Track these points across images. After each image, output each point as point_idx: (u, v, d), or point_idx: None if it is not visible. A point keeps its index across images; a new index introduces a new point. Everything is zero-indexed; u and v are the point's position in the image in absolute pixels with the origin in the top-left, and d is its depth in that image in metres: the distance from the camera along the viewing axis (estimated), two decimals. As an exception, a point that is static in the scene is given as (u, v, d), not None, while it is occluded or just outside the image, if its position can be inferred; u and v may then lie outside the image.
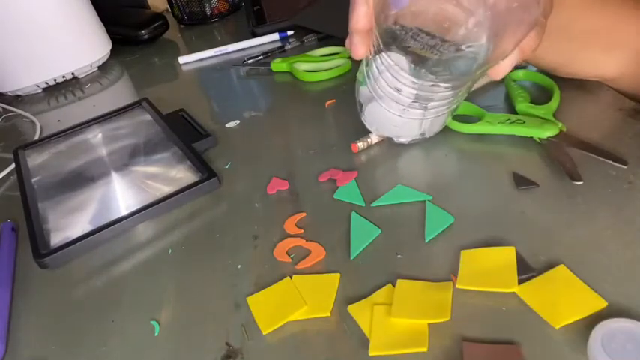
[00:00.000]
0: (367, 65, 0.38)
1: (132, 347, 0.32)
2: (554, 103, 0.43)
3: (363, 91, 0.40)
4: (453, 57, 0.31)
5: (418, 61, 0.33)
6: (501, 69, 0.34)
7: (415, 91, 0.36)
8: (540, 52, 0.42)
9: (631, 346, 0.24)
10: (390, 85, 0.36)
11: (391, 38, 0.32)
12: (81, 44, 0.75)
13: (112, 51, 0.80)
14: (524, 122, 0.41)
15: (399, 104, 0.37)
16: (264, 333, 0.30)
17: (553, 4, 0.33)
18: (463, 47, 0.30)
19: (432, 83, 0.34)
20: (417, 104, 0.37)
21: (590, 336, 0.25)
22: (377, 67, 0.36)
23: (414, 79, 0.35)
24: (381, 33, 0.33)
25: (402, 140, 0.43)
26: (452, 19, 0.29)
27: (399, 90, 0.36)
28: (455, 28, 0.29)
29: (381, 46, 0.34)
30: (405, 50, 0.32)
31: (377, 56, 0.36)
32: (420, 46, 0.31)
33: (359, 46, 0.36)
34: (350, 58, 0.59)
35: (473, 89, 0.49)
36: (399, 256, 0.33)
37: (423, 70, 0.33)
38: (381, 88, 0.37)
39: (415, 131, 0.41)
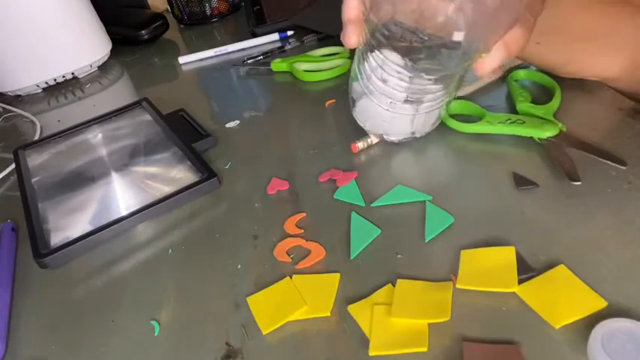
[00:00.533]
0: (359, 61, 0.38)
1: (132, 347, 0.32)
2: (555, 103, 0.43)
3: (356, 86, 0.40)
4: (434, 44, 0.31)
5: (405, 53, 0.33)
6: (486, 64, 0.33)
7: (406, 85, 0.36)
8: (539, 52, 0.42)
9: (631, 346, 0.24)
10: (381, 80, 0.37)
11: (379, 32, 0.33)
12: (81, 44, 0.75)
13: (112, 51, 0.80)
14: (524, 122, 0.41)
15: (389, 99, 0.38)
16: (264, 333, 0.30)
17: (544, 4, 0.33)
18: (446, 40, 0.31)
19: (421, 77, 0.35)
20: (407, 100, 0.37)
21: (590, 336, 0.25)
22: (369, 63, 0.37)
23: (404, 74, 0.35)
24: (370, 27, 0.34)
25: (393, 138, 0.43)
26: (436, 12, 0.29)
27: (389, 85, 0.36)
28: (435, 16, 0.29)
29: (371, 40, 0.35)
30: (390, 40, 0.33)
31: (369, 52, 0.36)
32: (405, 42, 0.32)
33: (351, 35, 0.36)
34: (350, 57, 0.59)
35: (474, 90, 0.49)
36: (399, 256, 0.33)
37: (411, 63, 0.34)
38: (372, 84, 0.38)
39: (406, 129, 0.41)
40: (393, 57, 0.34)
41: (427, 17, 0.30)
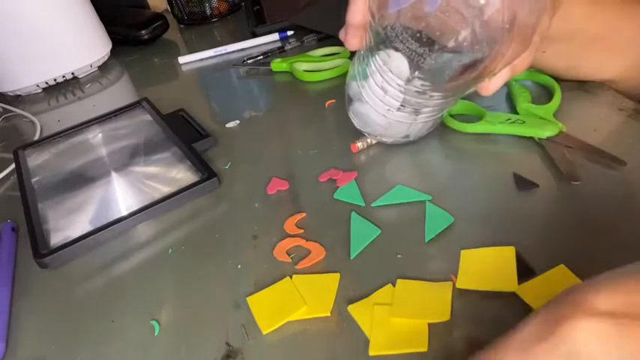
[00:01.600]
0: (360, 63, 0.38)
1: (132, 347, 0.32)
2: (555, 103, 0.43)
3: (354, 87, 0.40)
4: (440, 67, 0.31)
5: (410, 65, 0.33)
6: (491, 86, 0.34)
7: (403, 95, 0.36)
8: (544, 58, 0.42)
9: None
10: (380, 87, 0.36)
11: (381, 38, 0.33)
12: (81, 44, 0.75)
13: (112, 51, 0.80)
14: (524, 122, 0.41)
15: (386, 106, 0.37)
16: (264, 333, 0.30)
17: (551, 22, 0.33)
18: (451, 57, 0.30)
19: (420, 89, 0.34)
20: (404, 108, 0.37)
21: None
22: (370, 67, 0.36)
23: (404, 83, 0.34)
24: (372, 32, 0.34)
25: (385, 140, 0.43)
26: (444, 28, 0.29)
27: (388, 93, 0.36)
28: (446, 38, 0.29)
29: (373, 45, 0.34)
30: (394, 44, 0.32)
31: (371, 56, 0.36)
32: (407, 52, 0.31)
33: (353, 38, 0.36)
34: (350, 58, 0.59)
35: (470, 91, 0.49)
36: (399, 256, 0.33)
37: (415, 75, 0.33)
38: (371, 88, 0.37)
39: (401, 133, 0.41)
40: (395, 66, 0.34)
41: (438, 36, 0.29)
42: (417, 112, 0.37)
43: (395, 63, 0.33)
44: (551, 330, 0.19)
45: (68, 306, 0.36)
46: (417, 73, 0.33)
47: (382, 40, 0.33)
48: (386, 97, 0.36)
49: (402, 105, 0.37)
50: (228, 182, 0.45)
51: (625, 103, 0.43)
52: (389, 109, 0.37)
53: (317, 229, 0.37)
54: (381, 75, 0.35)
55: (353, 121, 0.43)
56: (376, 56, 0.35)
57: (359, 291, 0.31)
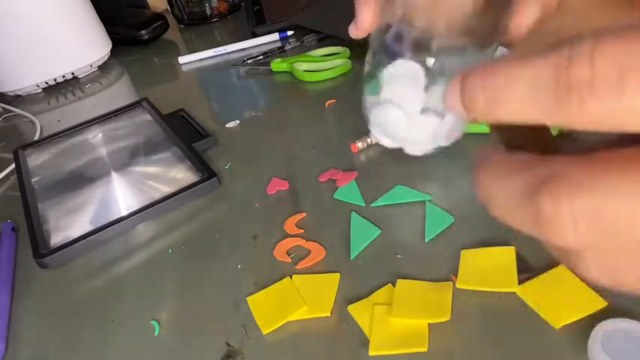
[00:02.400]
0: (375, 69, 0.38)
1: (132, 347, 0.32)
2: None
3: (370, 100, 0.39)
4: (456, 62, 0.31)
5: (421, 54, 0.33)
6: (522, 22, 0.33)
7: (425, 94, 0.35)
8: None
9: (631, 346, 0.24)
10: (400, 91, 0.36)
11: (388, 43, 0.32)
12: (81, 44, 0.75)
13: (112, 51, 0.80)
14: (524, 122, 0.41)
15: (408, 111, 0.37)
16: (264, 333, 0.30)
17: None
18: (468, 53, 0.30)
19: (437, 83, 0.34)
20: (428, 111, 0.37)
21: (590, 336, 0.25)
22: (387, 72, 0.36)
23: (425, 85, 0.34)
24: (378, 40, 0.33)
25: (415, 152, 0.42)
26: (458, 23, 0.29)
27: (409, 97, 0.36)
28: (461, 32, 0.29)
29: (383, 53, 0.34)
30: (409, 51, 0.32)
31: (387, 61, 0.35)
32: (418, 45, 0.31)
33: (366, 12, 0.33)
34: (350, 58, 0.59)
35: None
36: (399, 256, 0.33)
37: (433, 72, 0.33)
38: (391, 94, 0.37)
39: (428, 142, 0.40)
40: (412, 64, 0.34)
41: (453, 30, 0.29)
42: (440, 114, 0.37)
43: (409, 64, 0.33)
44: None
45: (68, 306, 0.36)
46: (434, 64, 0.32)
47: (391, 45, 0.32)
48: (410, 103, 0.36)
49: (425, 108, 0.36)
50: (228, 182, 0.45)
51: (625, 103, 0.43)
52: (411, 112, 0.37)
53: (317, 229, 0.37)
54: (398, 81, 0.35)
55: (373, 132, 0.42)
56: (388, 65, 0.35)
57: (359, 291, 0.31)
